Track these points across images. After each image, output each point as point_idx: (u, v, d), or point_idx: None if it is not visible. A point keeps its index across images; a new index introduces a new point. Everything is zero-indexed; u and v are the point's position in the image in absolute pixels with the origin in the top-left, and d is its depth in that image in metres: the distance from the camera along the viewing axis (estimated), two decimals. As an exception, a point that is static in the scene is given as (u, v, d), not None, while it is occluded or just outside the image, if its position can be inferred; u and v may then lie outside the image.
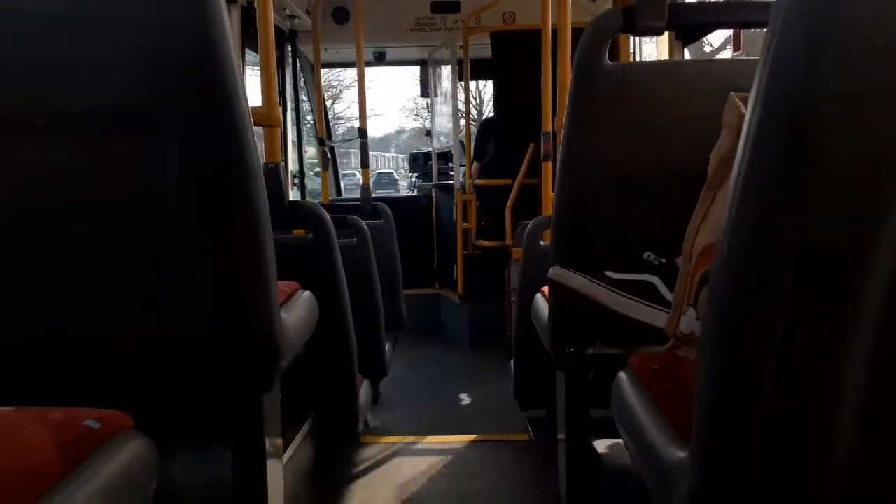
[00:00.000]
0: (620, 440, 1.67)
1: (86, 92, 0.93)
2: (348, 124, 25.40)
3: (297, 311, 1.29)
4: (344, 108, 24.12)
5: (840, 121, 0.49)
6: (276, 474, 1.28)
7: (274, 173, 1.69)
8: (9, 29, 0.91)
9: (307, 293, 1.42)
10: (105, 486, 0.69)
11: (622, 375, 1.01)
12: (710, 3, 1.44)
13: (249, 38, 3.23)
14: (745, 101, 1.03)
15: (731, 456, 0.59)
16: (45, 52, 0.92)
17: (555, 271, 1.31)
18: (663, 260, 1.26)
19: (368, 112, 3.63)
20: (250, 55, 3.48)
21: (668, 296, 1.22)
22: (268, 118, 1.75)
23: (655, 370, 0.95)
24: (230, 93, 0.94)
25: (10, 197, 0.97)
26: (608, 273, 1.27)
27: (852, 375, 0.51)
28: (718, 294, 0.59)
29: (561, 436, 1.57)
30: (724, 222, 0.57)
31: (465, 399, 2.99)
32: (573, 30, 2.23)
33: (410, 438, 2.42)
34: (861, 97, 0.48)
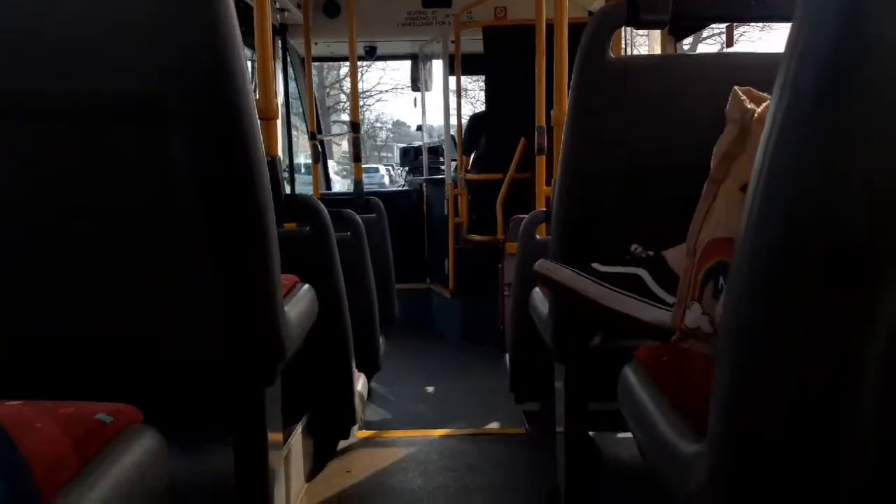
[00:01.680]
0: (619, 433, 1.69)
1: (93, 84, 0.93)
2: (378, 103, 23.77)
3: (299, 304, 1.29)
4: (372, 86, 22.55)
5: (876, 108, 0.48)
6: (277, 468, 1.28)
7: (271, 167, 1.69)
8: (20, 20, 0.90)
9: (307, 286, 1.42)
10: (122, 478, 0.69)
11: (629, 368, 1.01)
12: None
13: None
14: (748, 95, 1.04)
15: (749, 450, 0.59)
16: (54, 45, 0.91)
17: (541, 264, 1.31)
18: (650, 252, 1.27)
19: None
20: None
21: (656, 288, 1.23)
22: (265, 111, 1.74)
23: (664, 362, 0.96)
24: (237, 86, 0.94)
25: (15, 190, 0.96)
26: (595, 265, 1.27)
27: (876, 368, 0.52)
28: (738, 288, 0.59)
29: (560, 428, 1.58)
30: (744, 217, 0.57)
31: (459, 393, 3.00)
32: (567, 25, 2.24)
33: (407, 433, 2.42)
34: None
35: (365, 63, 4.80)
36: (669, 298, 1.19)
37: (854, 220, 0.49)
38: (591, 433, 1.63)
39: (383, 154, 25.98)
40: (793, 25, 0.53)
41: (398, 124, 26.15)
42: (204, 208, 0.97)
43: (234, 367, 1.10)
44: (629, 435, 1.01)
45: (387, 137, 27.15)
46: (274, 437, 1.24)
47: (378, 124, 26.35)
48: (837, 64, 0.49)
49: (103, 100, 0.93)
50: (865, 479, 0.55)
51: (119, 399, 0.81)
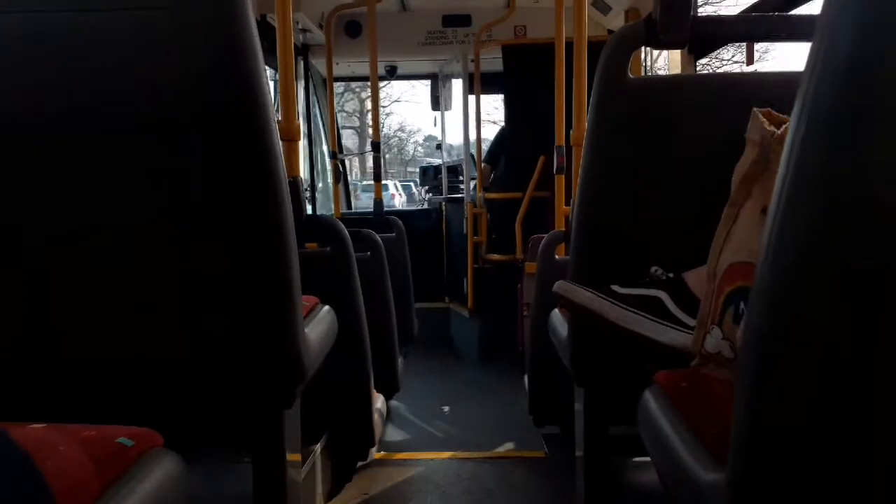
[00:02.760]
0: (639, 458, 1.66)
1: (116, 102, 0.94)
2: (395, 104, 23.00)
3: (319, 325, 1.29)
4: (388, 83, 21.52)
5: (893, 133, 0.47)
6: (296, 490, 1.28)
7: (293, 187, 1.70)
8: (40, 38, 0.92)
9: (327, 307, 1.42)
10: (142, 502, 0.69)
11: (649, 392, 1.00)
12: (731, 16, 1.42)
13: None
14: (767, 117, 1.03)
15: (769, 479, 0.58)
16: (77, 64, 0.93)
17: (560, 285, 1.29)
18: (671, 274, 1.25)
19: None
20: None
21: (676, 311, 1.22)
22: (287, 132, 1.76)
23: (684, 387, 0.94)
24: (260, 106, 0.95)
25: (30, 209, 0.97)
26: (614, 287, 1.25)
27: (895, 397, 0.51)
28: (758, 311, 0.58)
29: (579, 453, 1.56)
30: (763, 240, 0.57)
31: (478, 414, 2.98)
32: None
33: (425, 455, 2.41)
34: None
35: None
36: (690, 321, 1.18)
37: (874, 242, 0.49)
38: (611, 458, 1.61)
39: (410, 170, 24.39)
40: (812, 46, 0.52)
41: (431, 138, 24.14)
42: (224, 229, 0.98)
43: (253, 389, 1.10)
44: (650, 459, 1.00)
45: (414, 152, 25.88)
46: (292, 458, 1.24)
47: (403, 134, 24.92)
48: (856, 85, 0.48)
49: (122, 120, 0.94)
50: None
51: (140, 422, 0.82)
